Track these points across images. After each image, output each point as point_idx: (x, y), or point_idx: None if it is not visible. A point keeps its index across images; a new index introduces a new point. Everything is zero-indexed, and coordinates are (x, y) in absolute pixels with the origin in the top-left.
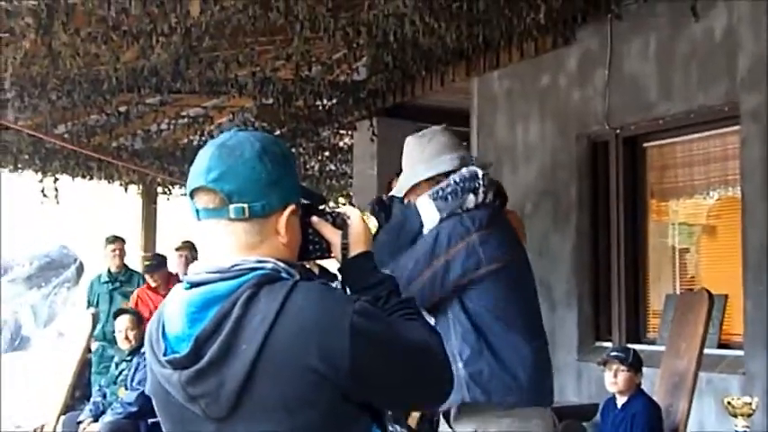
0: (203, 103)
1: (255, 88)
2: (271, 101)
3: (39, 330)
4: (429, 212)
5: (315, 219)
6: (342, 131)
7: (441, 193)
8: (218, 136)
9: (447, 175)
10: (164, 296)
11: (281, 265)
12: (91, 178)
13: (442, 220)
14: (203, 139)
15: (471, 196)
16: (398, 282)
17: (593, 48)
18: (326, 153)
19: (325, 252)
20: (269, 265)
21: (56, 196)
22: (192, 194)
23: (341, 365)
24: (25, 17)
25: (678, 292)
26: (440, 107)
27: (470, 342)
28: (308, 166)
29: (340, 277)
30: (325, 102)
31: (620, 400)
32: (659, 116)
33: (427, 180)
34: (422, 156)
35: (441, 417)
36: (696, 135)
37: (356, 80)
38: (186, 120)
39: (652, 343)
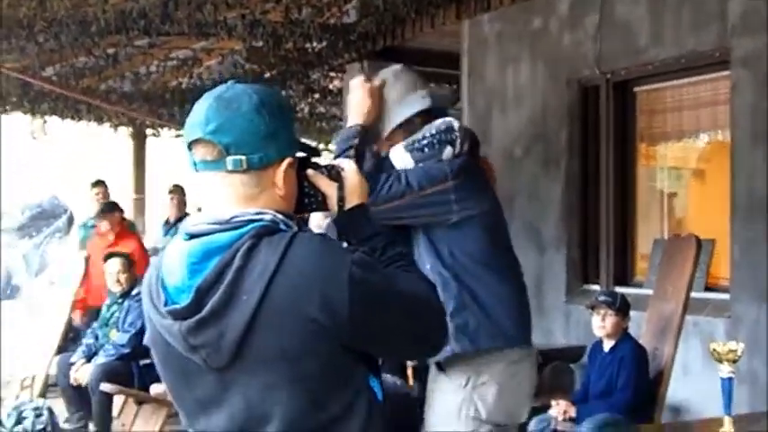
0: (192, 45)
1: (245, 30)
2: (260, 43)
3: (30, 279)
4: (405, 163)
5: (310, 171)
6: (332, 74)
7: (416, 144)
8: (215, 88)
9: (421, 116)
10: (109, 242)
11: (280, 216)
12: (80, 120)
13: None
14: (192, 81)
15: (449, 148)
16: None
17: None
18: (316, 96)
19: (321, 205)
20: (268, 217)
21: (45, 137)
22: (189, 146)
23: (340, 315)
24: None
25: (666, 237)
26: (430, 50)
27: (452, 293)
28: (297, 109)
29: (324, 228)
30: (314, 44)
31: (608, 344)
32: (650, 61)
33: (402, 128)
34: (390, 98)
35: (433, 366)
36: (686, 80)
37: (346, 23)
38: (175, 62)
39: (639, 286)
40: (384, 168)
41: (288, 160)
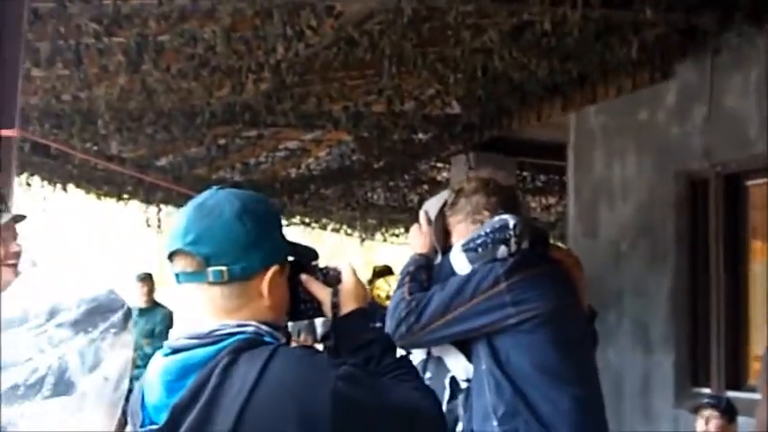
0: (301, 137)
1: (349, 122)
2: (366, 134)
3: (84, 376)
4: (461, 264)
5: (304, 276)
6: (438, 165)
7: (471, 244)
8: (198, 196)
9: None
10: None
11: (264, 328)
12: None
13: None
14: (301, 171)
15: (503, 247)
16: (426, 310)
17: (692, 82)
18: (425, 186)
19: (318, 311)
20: (250, 329)
21: (159, 226)
22: (170, 257)
23: None
24: (116, 54)
25: None
26: (537, 141)
27: (505, 397)
28: (407, 199)
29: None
30: (420, 135)
31: None
32: (761, 153)
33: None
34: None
35: None
36: None
37: (450, 114)
38: (284, 153)
39: (753, 391)
40: (443, 268)
41: (274, 268)
